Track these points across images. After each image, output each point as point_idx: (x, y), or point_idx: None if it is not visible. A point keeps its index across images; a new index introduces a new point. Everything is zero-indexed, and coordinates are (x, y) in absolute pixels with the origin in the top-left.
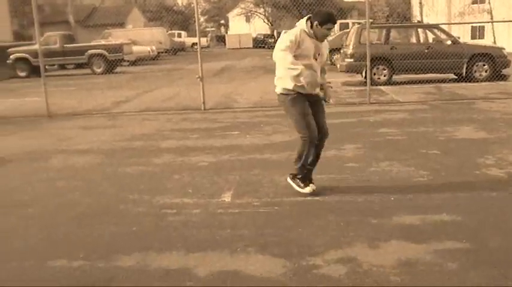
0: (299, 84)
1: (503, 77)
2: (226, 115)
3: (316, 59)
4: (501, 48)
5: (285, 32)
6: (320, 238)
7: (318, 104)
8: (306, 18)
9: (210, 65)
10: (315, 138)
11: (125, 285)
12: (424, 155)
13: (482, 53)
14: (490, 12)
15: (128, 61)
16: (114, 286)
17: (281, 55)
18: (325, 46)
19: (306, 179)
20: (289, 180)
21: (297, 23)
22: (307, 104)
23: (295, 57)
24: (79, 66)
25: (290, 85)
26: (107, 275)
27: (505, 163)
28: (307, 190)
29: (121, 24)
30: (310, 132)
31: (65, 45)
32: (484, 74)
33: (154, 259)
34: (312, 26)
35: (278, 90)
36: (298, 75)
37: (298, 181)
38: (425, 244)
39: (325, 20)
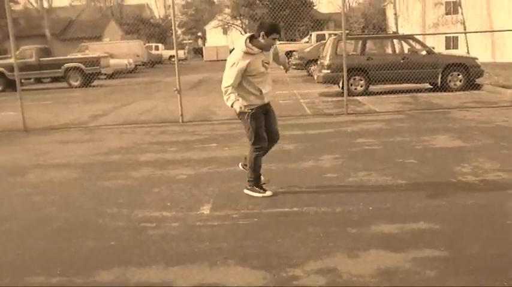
0: (258, 96)
1: (477, 87)
2: (204, 127)
3: (266, 67)
4: (474, 59)
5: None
6: (300, 249)
7: (270, 111)
8: (245, 38)
9: (187, 78)
10: (266, 148)
11: None
12: (401, 164)
13: (457, 63)
14: (463, 23)
15: (105, 74)
16: None
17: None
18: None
19: (260, 185)
20: (247, 191)
21: (237, 45)
22: (263, 116)
23: (247, 77)
24: (55, 79)
25: (248, 101)
26: None
27: (481, 171)
28: (268, 193)
29: (98, 37)
30: (264, 143)
31: (41, 59)
32: (458, 83)
33: (134, 273)
34: (251, 39)
35: (237, 108)
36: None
37: (255, 188)
38: (404, 252)
39: (271, 30)
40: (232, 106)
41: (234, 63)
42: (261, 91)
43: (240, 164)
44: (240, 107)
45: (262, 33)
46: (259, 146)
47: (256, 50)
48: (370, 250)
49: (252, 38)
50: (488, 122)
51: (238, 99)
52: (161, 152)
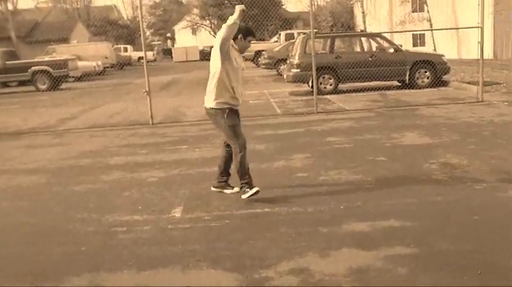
0: (233, 95)
1: (444, 83)
2: (174, 129)
3: (240, 65)
4: (441, 55)
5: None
6: (272, 250)
7: (239, 113)
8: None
9: (157, 79)
10: (245, 144)
11: None
12: (372, 162)
13: (424, 60)
14: (430, 21)
15: (74, 77)
16: None
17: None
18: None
19: (251, 183)
20: (244, 196)
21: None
22: (237, 118)
23: (227, 67)
24: (22, 83)
25: (224, 98)
26: None
27: (449, 167)
28: (255, 189)
29: (65, 40)
30: (243, 140)
31: (7, 62)
32: (426, 80)
33: (106, 278)
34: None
35: (210, 104)
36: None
37: (247, 189)
38: (375, 250)
39: (248, 33)
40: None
41: (224, 32)
42: (234, 90)
43: (212, 187)
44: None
45: (240, 35)
46: (242, 143)
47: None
48: (342, 249)
49: None
50: (456, 118)
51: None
52: (131, 155)
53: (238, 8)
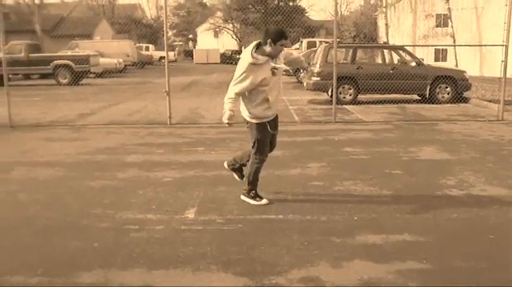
0: (266, 105)
1: (465, 100)
2: (192, 130)
3: (275, 74)
4: (463, 72)
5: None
6: (283, 257)
7: (276, 120)
8: (252, 48)
9: (177, 80)
10: (265, 158)
11: None
12: (388, 175)
13: (445, 76)
14: (453, 36)
15: (95, 73)
16: None
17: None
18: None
19: (257, 194)
20: (243, 197)
21: (245, 54)
22: (269, 132)
23: (256, 89)
24: (44, 76)
25: (257, 113)
26: None
27: (466, 184)
28: (264, 201)
29: (89, 36)
30: (265, 157)
31: (30, 55)
32: (446, 96)
33: (116, 276)
34: (258, 47)
35: (246, 117)
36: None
37: (252, 195)
38: (387, 263)
39: (278, 37)
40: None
41: (244, 75)
42: (268, 100)
43: (226, 163)
44: (228, 119)
45: (269, 41)
46: (261, 158)
47: (262, 59)
48: (354, 260)
49: (259, 46)
50: (475, 135)
51: (232, 111)
52: (148, 154)
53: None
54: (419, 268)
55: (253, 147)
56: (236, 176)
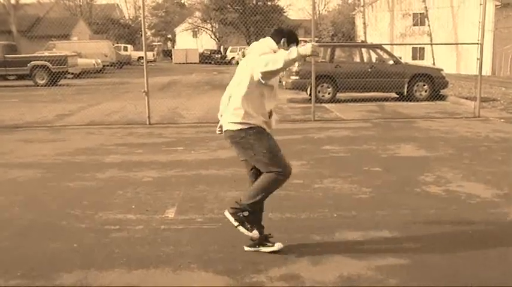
0: (265, 119)
1: (442, 97)
2: (171, 130)
3: (280, 81)
4: (440, 70)
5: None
6: (264, 255)
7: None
8: (270, 40)
9: (156, 80)
10: (289, 175)
11: None
12: (367, 172)
13: (423, 74)
14: (430, 35)
15: (73, 74)
16: None
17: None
18: None
19: (256, 221)
20: (241, 228)
21: (263, 49)
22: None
23: (264, 88)
24: (21, 77)
25: (254, 120)
26: None
27: (444, 180)
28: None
29: (66, 36)
30: (287, 166)
31: (6, 56)
32: (424, 93)
33: (96, 276)
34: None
35: (234, 125)
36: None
37: (246, 221)
38: (367, 260)
39: (293, 39)
40: (300, 56)
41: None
42: (269, 114)
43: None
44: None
45: (283, 40)
46: (286, 171)
47: None
48: (333, 257)
49: None
50: (452, 132)
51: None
52: (127, 154)
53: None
54: (399, 264)
55: (268, 164)
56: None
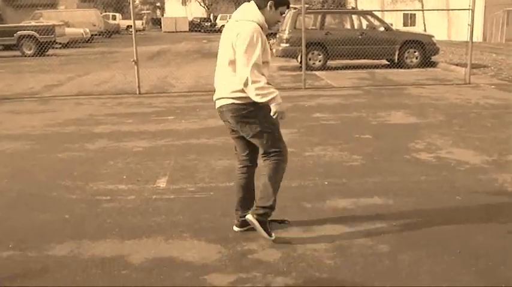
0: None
1: (433, 64)
2: (161, 100)
3: (271, 49)
4: (431, 36)
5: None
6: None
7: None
8: (253, 5)
9: (145, 49)
10: (287, 153)
11: (59, 274)
12: (357, 139)
13: (413, 40)
14: (421, 1)
15: (60, 43)
16: (47, 275)
17: (250, 78)
18: None
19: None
20: (252, 219)
21: (247, 13)
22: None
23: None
24: (8, 48)
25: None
26: (39, 265)
27: (434, 147)
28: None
29: (53, 5)
30: (285, 145)
31: None
32: (414, 60)
33: (88, 247)
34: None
35: (228, 100)
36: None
37: (266, 225)
38: (357, 227)
39: (281, 1)
40: (270, 102)
41: (255, 38)
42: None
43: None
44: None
45: (270, 3)
46: (283, 152)
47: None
48: (324, 225)
49: None
50: (442, 99)
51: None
52: (117, 124)
53: None
54: (389, 230)
55: (267, 143)
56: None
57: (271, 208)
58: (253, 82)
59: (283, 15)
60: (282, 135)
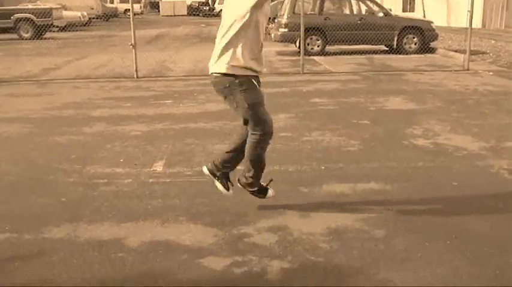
0: (257, 57)
1: (431, 50)
2: (159, 83)
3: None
4: (430, 22)
5: None
6: (252, 208)
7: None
8: None
9: (143, 32)
10: (272, 133)
11: (55, 257)
12: (355, 125)
13: (412, 26)
14: None
15: (58, 27)
16: (43, 258)
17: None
18: None
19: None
20: (248, 187)
21: None
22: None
23: (259, 19)
24: (5, 30)
25: (242, 61)
26: (35, 248)
27: (431, 133)
28: (270, 193)
29: None
30: (269, 127)
31: None
32: (413, 46)
33: (85, 230)
34: None
35: (220, 68)
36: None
37: (257, 192)
38: (354, 212)
39: None
40: None
41: None
42: (258, 50)
43: (205, 167)
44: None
45: None
46: (265, 132)
47: None
48: (321, 209)
49: None
50: (441, 85)
51: None
52: (115, 108)
53: None
54: (385, 215)
55: (249, 120)
56: (220, 186)
57: (254, 175)
58: None
59: None
60: (280, 120)
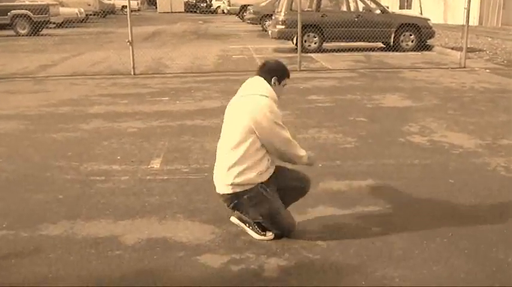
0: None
1: (428, 47)
2: (156, 80)
3: None
4: (427, 19)
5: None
6: None
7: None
8: (262, 79)
9: (140, 29)
10: (294, 226)
11: (52, 254)
12: (352, 122)
13: (409, 23)
14: None
15: (55, 23)
16: (40, 255)
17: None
18: None
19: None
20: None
21: (260, 89)
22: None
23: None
24: (1, 27)
25: (255, 178)
26: (32, 245)
27: (428, 130)
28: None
29: None
30: (288, 231)
31: None
32: (410, 43)
33: (82, 227)
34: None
35: (226, 189)
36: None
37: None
38: (351, 209)
39: (284, 74)
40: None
41: (277, 115)
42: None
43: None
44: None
45: (274, 79)
46: (284, 233)
47: None
48: (318, 207)
49: None
50: (437, 83)
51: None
52: (112, 105)
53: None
54: (382, 213)
55: (269, 225)
56: (252, 233)
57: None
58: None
59: (285, 86)
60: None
